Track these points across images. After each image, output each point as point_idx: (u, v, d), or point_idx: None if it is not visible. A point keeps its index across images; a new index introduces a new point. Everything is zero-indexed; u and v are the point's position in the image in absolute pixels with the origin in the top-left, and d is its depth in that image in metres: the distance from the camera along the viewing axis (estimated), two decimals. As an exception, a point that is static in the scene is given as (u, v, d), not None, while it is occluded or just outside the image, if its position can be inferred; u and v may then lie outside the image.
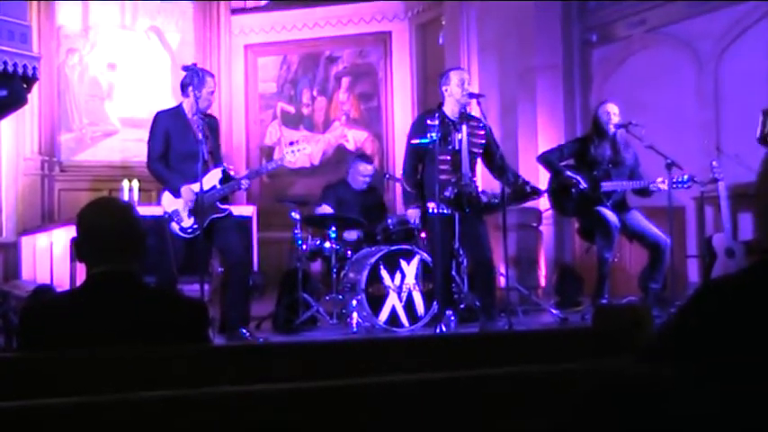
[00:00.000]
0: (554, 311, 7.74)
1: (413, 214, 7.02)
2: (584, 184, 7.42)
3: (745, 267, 0.91)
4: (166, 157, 6.62)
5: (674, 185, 7.19)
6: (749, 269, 0.91)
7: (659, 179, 7.26)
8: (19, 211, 12.67)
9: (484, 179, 8.02)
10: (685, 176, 7.24)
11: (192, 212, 6.50)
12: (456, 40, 11.67)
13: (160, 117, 6.74)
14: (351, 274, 7.33)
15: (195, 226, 6.49)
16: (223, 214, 6.64)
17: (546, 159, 7.66)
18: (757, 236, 0.96)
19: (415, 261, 7.25)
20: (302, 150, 7.12)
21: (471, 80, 8.18)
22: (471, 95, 6.89)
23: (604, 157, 7.49)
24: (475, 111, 7.17)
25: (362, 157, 9.91)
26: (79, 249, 2.69)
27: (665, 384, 0.84)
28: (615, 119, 7.47)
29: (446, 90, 6.90)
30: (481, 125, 6.95)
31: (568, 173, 7.51)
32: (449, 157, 6.76)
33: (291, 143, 7.31)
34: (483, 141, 6.92)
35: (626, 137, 7.54)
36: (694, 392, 0.82)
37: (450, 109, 6.86)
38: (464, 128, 6.80)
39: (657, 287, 7.29)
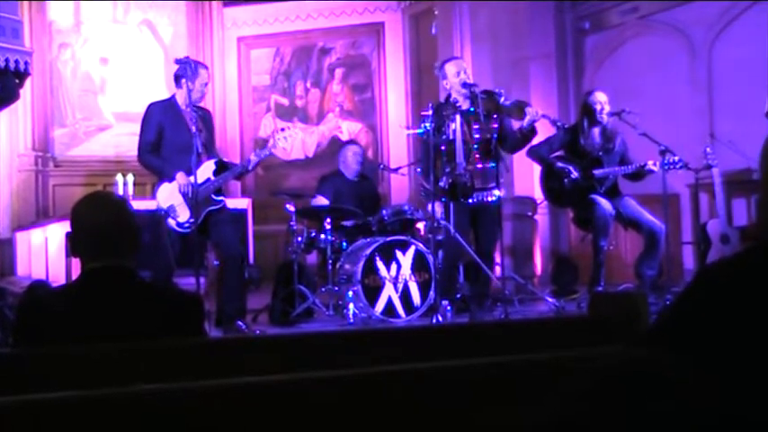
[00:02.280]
0: (550, 300, 7.74)
1: (438, 210, 6.92)
2: (575, 174, 7.43)
3: (740, 252, 0.91)
4: (158, 149, 6.61)
5: (667, 166, 7.19)
6: (744, 253, 0.91)
7: (650, 162, 7.28)
8: (14, 208, 12.65)
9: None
10: (676, 157, 7.24)
11: (187, 201, 6.47)
12: (449, 30, 11.65)
13: (153, 109, 6.72)
14: (346, 266, 7.33)
15: (192, 220, 6.48)
16: (218, 206, 6.63)
17: (535, 153, 7.66)
18: (759, 224, 0.96)
19: (411, 252, 7.25)
20: (293, 136, 7.08)
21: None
22: (465, 85, 6.90)
23: (594, 145, 7.49)
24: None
25: (349, 141, 9.95)
26: (74, 245, 2.68)
27: (662, 373, 0.84)
28: (607, 107, 7.48)
29: (446, 83, 6.97)
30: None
31: (559, 164, 7.52)
32: (443, 148, 6.78)
33: (282, 129, 7.29)
34: (496, 126, 6.96)
35: (613, 124, 7.55)
36: (690, 382, 0.83)
37: (458, 99, 6.93)
38: (457, 117, 6.82)
39: (653, 274, 7.30)
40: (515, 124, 7.07)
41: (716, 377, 0.81)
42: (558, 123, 7.36)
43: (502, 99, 6.87)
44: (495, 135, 6.95)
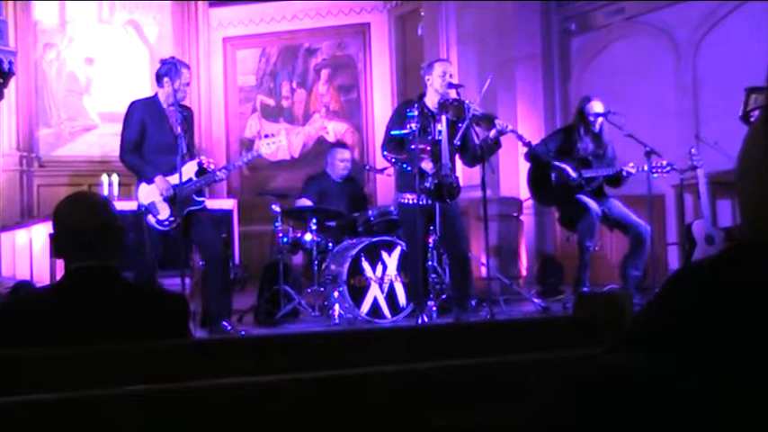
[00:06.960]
0: (536, 300, 7.76)
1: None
2: (574, 175, 7.41)
3: (718, 252, 0.91)
4: (140, 149, 6.60)
5: (655, 171, 7.21)
6: (721, 254, 0.91)
7: (631, 164, 7.30)
8: (-2, 208, 12.60)
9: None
10: (664, 162, 7.27)
11: (168, 202, 6.49)
12: (435, 31, 11.66)
13: (135, 107, 6.70)
14: (332, 266, 7.33)
15: (171, 218, 6.49)
16: (199, 207, 6.64)
17: (533, 154, 7.62)
18: (742, 224, 0.96)
19: (397, 252, 7.25)
20: (278, 143, 7.11)
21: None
22: (450, 86, 6.88)
23: (587, 150, 7.49)
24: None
25: (339, 144, 9.91)
26: (57, 245, 2.67)
27: (641, 373, 0.84)
28: (600, 119, 7.45)
29: (428, 80, 6.90)
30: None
31: (556, 162, 7.48)
32: (428, 148, 6.75)
33: (267, 135, 7.31)
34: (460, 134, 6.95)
35: (608, 134, 7.56)
36: (668, 381, 0.83)
37: (431, 99, 6.86)
38: (443, 118, 6.81)
39: (638, 274, 7.32)
40: (481, 135, 7.01)
41: (693, 379, 0.81)
42: (526, 141, 7.35)
43: (473, 107, 6.85)
44: (458, 143, 6.90)
